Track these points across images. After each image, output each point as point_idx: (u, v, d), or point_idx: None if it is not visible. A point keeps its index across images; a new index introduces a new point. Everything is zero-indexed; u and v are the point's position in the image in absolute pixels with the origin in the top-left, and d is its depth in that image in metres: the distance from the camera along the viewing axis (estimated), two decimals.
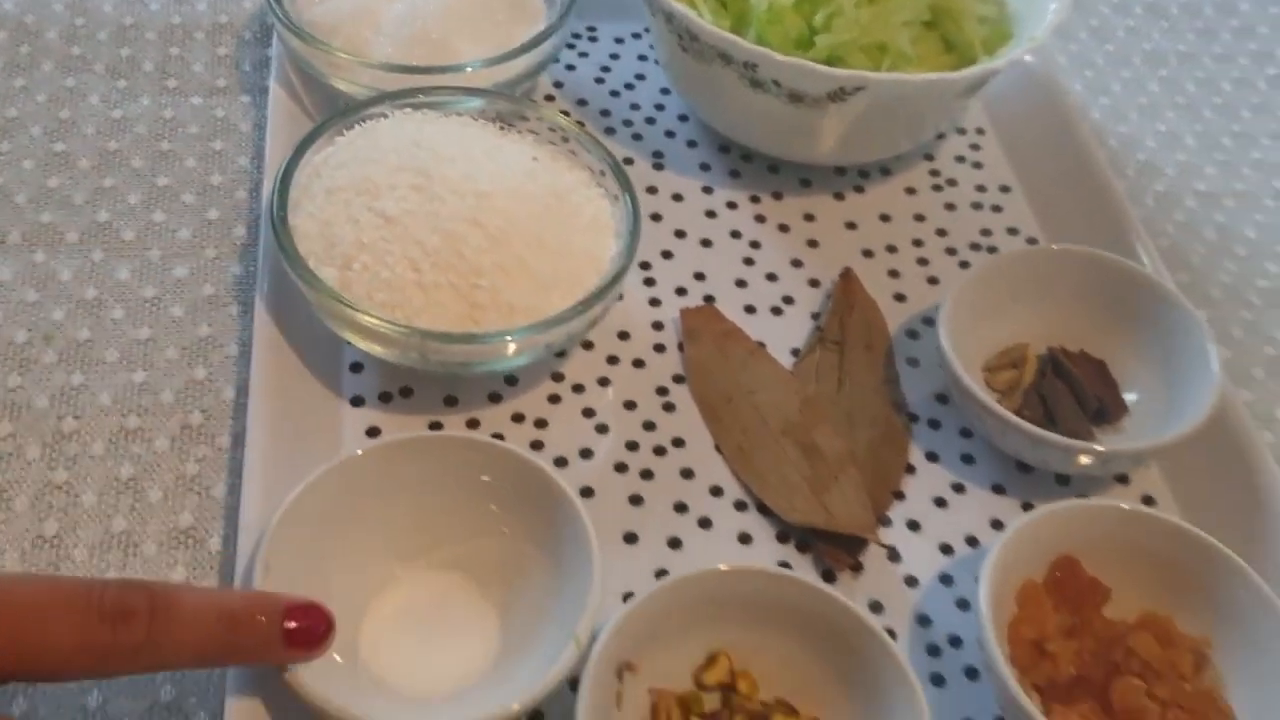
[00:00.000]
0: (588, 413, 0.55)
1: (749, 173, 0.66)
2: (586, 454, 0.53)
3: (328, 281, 0.50)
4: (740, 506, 0.52)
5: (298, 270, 0.50)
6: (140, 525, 0.50)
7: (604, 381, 0.56)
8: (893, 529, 0.52)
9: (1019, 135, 0.69)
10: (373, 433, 0.52)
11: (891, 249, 0.63)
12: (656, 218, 0.63)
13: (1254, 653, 0.46)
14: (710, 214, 0.64)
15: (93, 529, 0.49)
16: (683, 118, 0.68)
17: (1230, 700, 0.46)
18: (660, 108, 0.68)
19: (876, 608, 0.50)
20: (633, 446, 0.54)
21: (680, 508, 0.52)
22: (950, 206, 0.66)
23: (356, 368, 0.54)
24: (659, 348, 0.57)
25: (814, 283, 0.61)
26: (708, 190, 0.65)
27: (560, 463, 0.53)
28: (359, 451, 0.47)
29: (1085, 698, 0.46)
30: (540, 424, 0.54)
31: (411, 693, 0.44)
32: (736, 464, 0.53)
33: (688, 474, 0.53)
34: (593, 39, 0.72)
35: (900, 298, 0.61)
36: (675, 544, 0.51)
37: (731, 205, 0.64)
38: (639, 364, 0.57)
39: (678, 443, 0.54)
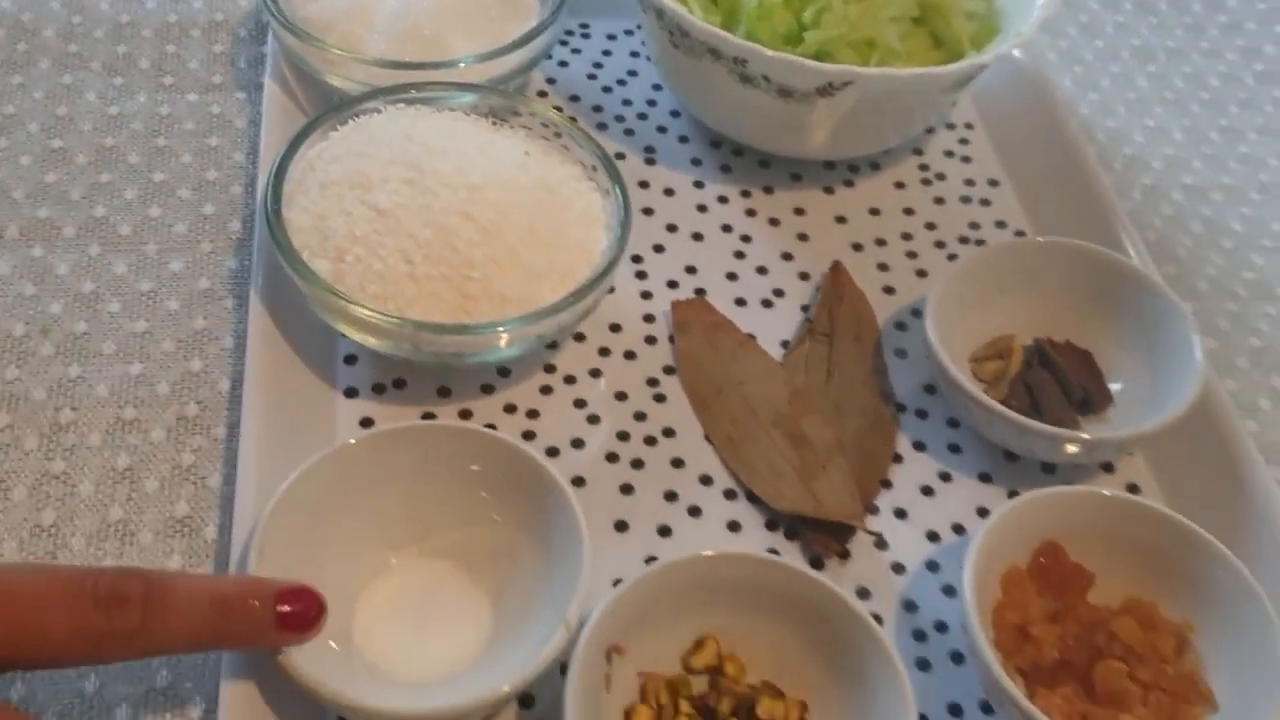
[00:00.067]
0: (579, 403, 0.55)
1: (740, 167, 0.66)
2: (578, 444, 0.54)
3: (321, 274, 0.51)
4: (730, 495, 0.53)
5: (291, 263, 0.51)
6: (137, 515, 0.50)
7: (595, 373, 0.56)
8: (880, 517, 0.53)
9: (1008, 130, 0.70)
10: (366, 423, 0.53)
11: (881, 242, 0.64)
12: (648, 212, 0.63)
13: (1234, 636, 0.47)
14: (701, 208, 0.64)
15: (90, 518, 0.50)
16: (674, 113, 0.69)
17: (1211, 682, 0.46)
18: (652, 104, 0.69)
19: (864, 594, 0.50)
20: (624, 436, 0.54)
21: (670, 496, 0.52)
22: (939, 200, 0.66)
23: (350, 360, 0.55)
24: (650, 340, 0.58)
25: (804, 276, 0.62)
26: (699, 185, 0.65)
27: (552, 452, 0.53)
28: (352, 441, 0.47)
29: (1068, 681, 0.46)
30: (532, 414, 0.54)
31: (405, 678, 0.45)
32: (726, 453, 0.54)
33: (678, 463, 0.54)
34: (585, 36, 0.72)
35: (889, 290, 0.62)
36: (665, 532, 0.51)
37: (722, 199, 0.65)
38: (630, 356, 0.57)
39: (668, 433, 0.55)
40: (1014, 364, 0.57)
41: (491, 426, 0.52)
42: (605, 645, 0.43)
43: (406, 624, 0.46)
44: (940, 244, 0.64)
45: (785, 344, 0.59)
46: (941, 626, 0.50)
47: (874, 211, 0.65)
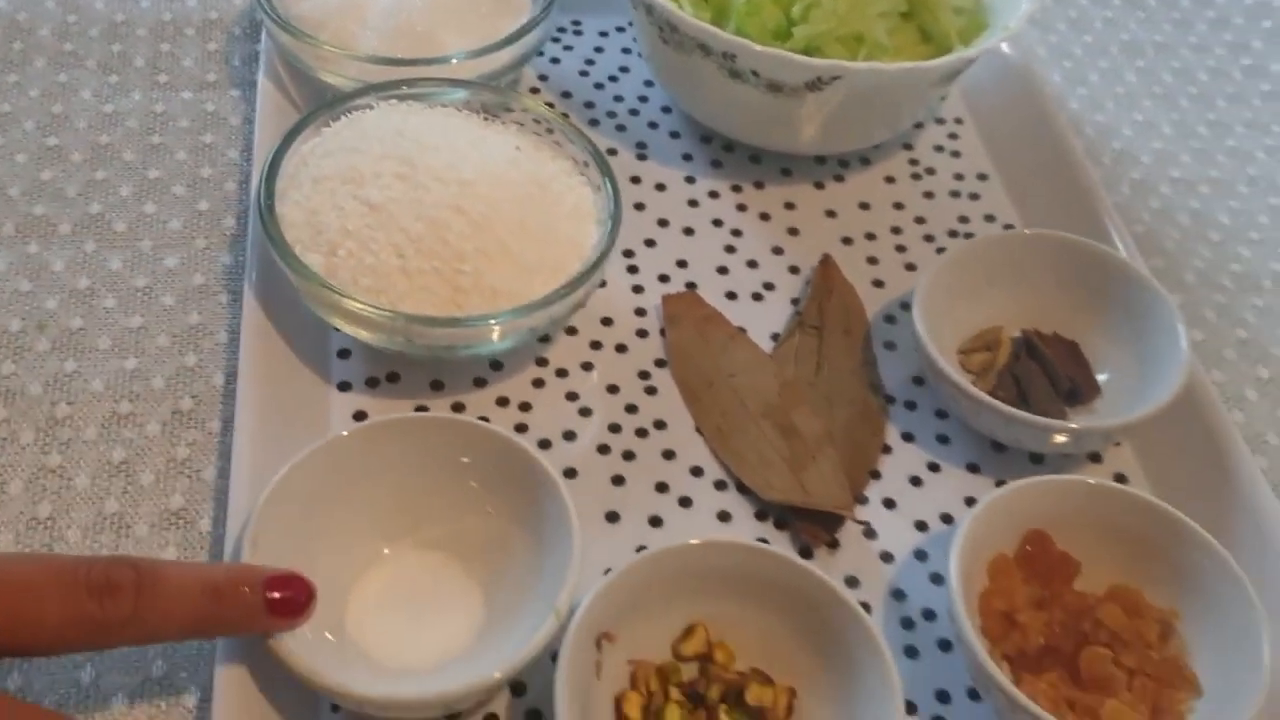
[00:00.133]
0: (571, 396, 0.56)
1: (730, 163, 0.67)
2: (570, 436, 0.54)
3: (314, 268, 0.51)
4: (720, 486, 0.53)
5: (284, 257, 0.51)
6: (132, 507, 0.51)
7: (587, 366, 0.57)
8: (869, 507, 0.53)
9: (997, 125, 0.70)
10: (359, 417, 0.53)
11: (870, 236, 0.64)
12: (640, 207, 0.64)
13: (1218, 622, 0.47)
14: (692, 203, 0.65)
15: (86, 511, 0.50)
16: (666, 109, 0.69)
17: (1195, 667, 0.47)
18: (644, 100, 0.69)
19: (852, 583, 0.51)
20: (615, 429, 0.55)
21: (661, 487, 0.53)
22: (929, 195, 0.67)
23: (344, 354, 0.55)
24: (641, 333, 0.59)
25: (794, 269, 0.62)
26: (690, 180, 0.66)
27: (544, 445, 0.54)
28: (344, 433, 0.48)
29: (1054, 667, 0.47)
30: (524, 407, 0.55)
31: (397, 667, 0.45)
32: (716, 445, 0.54)
33: (669, 455, 0.54)
34: (577, 33, 0.73)
35: (878, 284, 0.62)
36: (656, 522, 0.52)
37: (713, 194, 0.65)
38: (621, 349, 0.58)
39: (659, 425, 0.55)
40: (1002, 355, 0.57)
41: (484, 419, 0.53)
42: (595, 632, 0.44)
43: (399, 614, 0.47)
44: (929, 238, 0.65)
45: (775, 337, 0.59)
46: (929, 615, 0.50)
47: (864, 206, 0.66)
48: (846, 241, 0.64)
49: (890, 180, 0.67)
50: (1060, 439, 0.53)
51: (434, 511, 0.48)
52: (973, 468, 0.55)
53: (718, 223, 0.64)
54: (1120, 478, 0.55)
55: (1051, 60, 0.77)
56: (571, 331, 0.58)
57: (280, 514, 0.45)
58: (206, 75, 0.68)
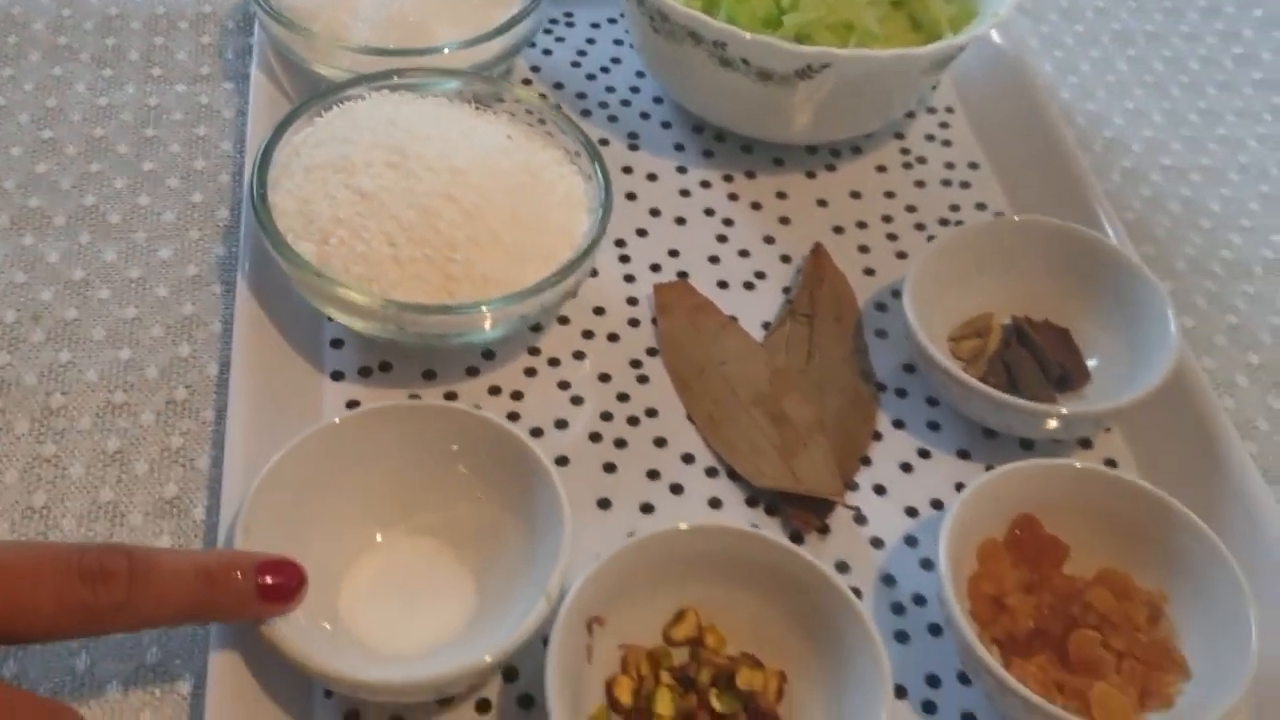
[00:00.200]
0: (563, 385, 0.56)
1: (722, 152, 0.67)
2: (562, 424, 0.54)
3: (306, 256, 0.51)
4: (711, 473, 0.54)
5: (277, 246, 0.51)
6: (127, 496, 0.51)
7: (579, 355, 0.57)
8: (860, 493, 0.53)
9: (988, 114, 0.70)
10: (352, 406, 0.53)
11: (862, 225, 0.64)
12: (631, 197, 0.64)
13: (1207, 604, 0.47)
14: (684, 193, 0.65)
15: (80, 500, 0.51)
16: (657, 100, 0.69)
17: (1184, 650, 0.47)
18: (635, 90, 0.70)
19: (843, 568, 0.51)
20: (607, 417, 0.55)
21: (653, 474, 0.53)
22: (920, 184, 0.67)
23: (337, 344, 0.56)
24: (633, 322, 0.59)
25: (785, 258, 0.62)
26: (682, 170, 0.66)
27: (536, 433, 0.54)
28: (337, 420, 0.48)
29: (1043, 650, 0.47)
30: (516, 396, 0.55)
31: (390, 653, 0.46)
32: (708, 432, 0.55)
33: (660, 442, 0.54)
34: (569, 24, 0.73)
35: (869, 272, 0.62)
36: (647, 509, 0.52)
37: (705, 184, 0.65)
38: (613, 338, 0.58)
39: (651, 413, 0.55)
40: (992, 342, 0.57)
41: (477, 408, 0.53)
42: (586, 616, 0.44)
43: (392, 600, 0.47)
44: (920, 226, 0.65)
45: (767, 325, 0.59)
46: (920, 600, 0.50)
47: (855, 195, 0.66)
48: (838, 230, 0.64)
49: (882, 169, 0.68)
50: (1050, 424, 0.53)
51: (426, 498, 0.49)
52: (963, 454, 0.55)
53: (709, 212, 0.64)
54: (1111, 464, 0.56)
55: (1043, 50, 0.78)
56: (563, 321, 0.58)
57: (273, 501, 0.46)
58: (200, 68, 0.68)
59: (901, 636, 0.49)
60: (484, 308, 0.51)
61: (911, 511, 0.53)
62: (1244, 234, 0.68)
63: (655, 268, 0.61)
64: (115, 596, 0.39)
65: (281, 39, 0.63)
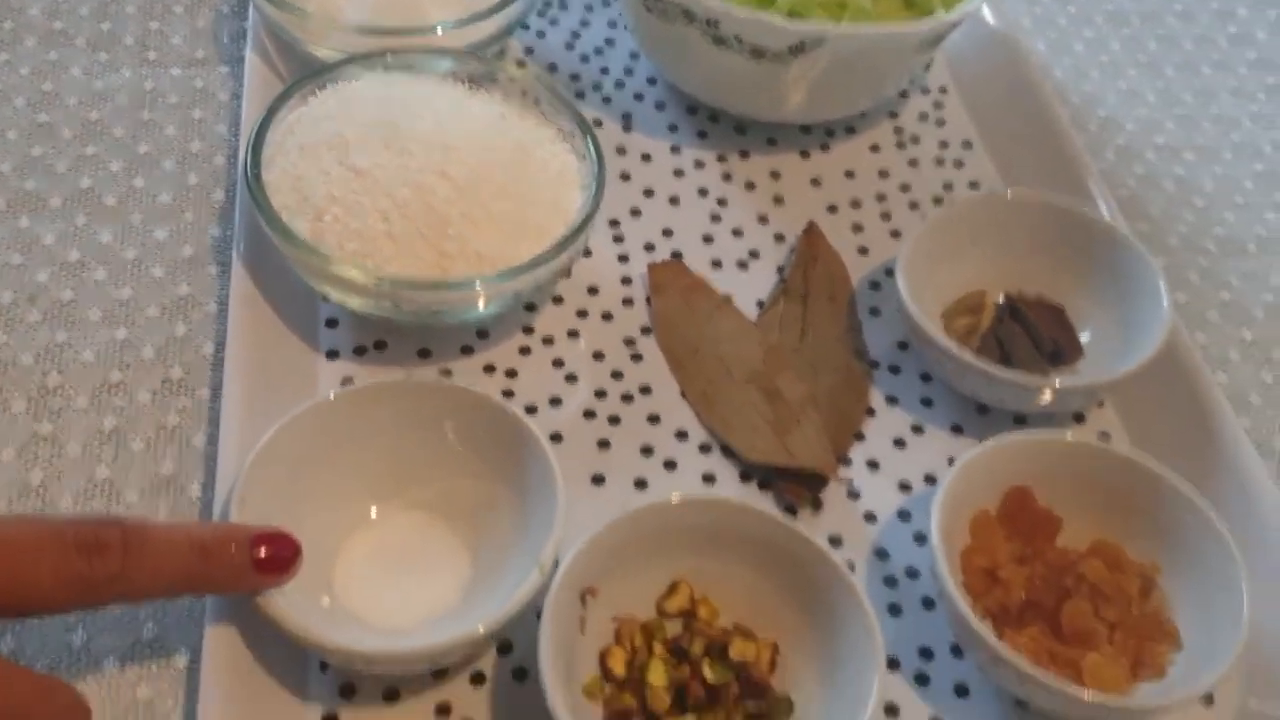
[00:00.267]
0: (557, 363, 0.56)
1: (716, 133, 0.67)
2: (556, 402, 0.55)
3: (300, 234, 0.51)
4: (704, 449, 0.54)
5: (271, 223, 0.52)
6: (123, 474, 0.51)
7: (573, 334, 0.57)
8: (853, 469, 0.54)
9: (981, 94, 0.70)
10: (347, 384, 0.54)
11: (855, 204, 0.65)
12: (625, 177, 0.64)
13: (1199, 576, 0.48)
14: (678, 173, 0.65)
15: (77, 478, 0.51)
16: (651, 81, 0.69)
17: (1176, 621, 0.47)
18: (629, 71, 0.70)
19: (836, 542, 0.51)
20: (601, 394, 0.55)
21: (646, 451, 0.53)
22: (913, 163, 0.67)
23: (332, 323, 0.56)
24: (627, 301, 0.59)
25: (779, 238, 0.63)
26: (675, 150, 0.66)
27: (531, 410, 0.54)
28: (331, 396, 0.48)
29: (1036, 621, 0.47)
30: (511, 374, 0.55)
31: (385, 626, 0.46)
32: (701, 409, 0.55)
33: (654, 419, 0.55)
34: (564, 6, 0.73)
35: (863, 251, 0.62)
36: (641, 484, 0.52)
37: (699, 164, 0.66)
38: (607, 317, 0.58)
39: (645, 390, 0.56)
40: (985, 318, 0.57)
41: None
42: (579, 588, 0.44)
43: (387, 574, 0.47)
44: (914, 205, 0.65)
45: (761, 304, 0.60)
46: (912, 573, 0.51)
47: (849, 174, 0.66)
48: (832, 210, 0.64)
49: (875, 149, 0.68)
50: (1044, 397, 0.53)
51: (421, 473, 0.49)
52: (956, 429, 0.56)
53: (703, 192, 0.64)
54: (1104, 437, 0.56)
55: (1036, 30, 0.78)
56: (558, 300, 0.58)
57: (268, 476, 0.46)
58: (195, 52, 0.68)
59: (894, 609, 0.50)
60: (478, 283, 0.51)
61: (905, 486, 0.53)
62: (1237, 211, 0.68)
63: (649, 247, 0.61)
64: (110, 568, 0.39)
65: (276, 20, 0.63)
